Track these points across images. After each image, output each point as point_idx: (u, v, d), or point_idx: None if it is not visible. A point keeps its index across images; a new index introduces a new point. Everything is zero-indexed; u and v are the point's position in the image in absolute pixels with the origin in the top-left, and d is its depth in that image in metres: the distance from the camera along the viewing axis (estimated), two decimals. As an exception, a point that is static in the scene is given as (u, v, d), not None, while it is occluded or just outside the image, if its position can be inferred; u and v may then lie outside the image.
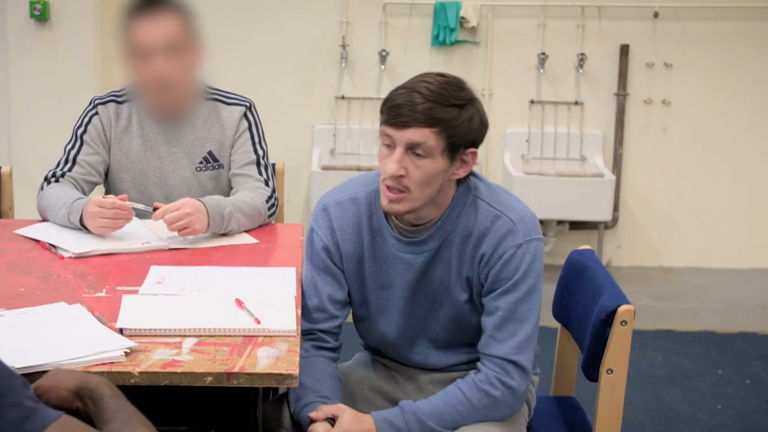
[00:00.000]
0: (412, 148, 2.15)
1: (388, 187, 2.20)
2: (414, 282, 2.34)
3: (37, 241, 2.81)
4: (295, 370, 1.95)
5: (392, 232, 2.33)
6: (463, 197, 2.29)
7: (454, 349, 2.43)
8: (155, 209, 2.81)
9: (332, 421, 2.19)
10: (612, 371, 2.27)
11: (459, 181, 2.28)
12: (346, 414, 2.20)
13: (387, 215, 2.33)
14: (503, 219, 2.26)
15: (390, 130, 2.16)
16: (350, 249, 2.37)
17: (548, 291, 2.72)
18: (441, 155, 2.16)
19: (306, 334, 2.37)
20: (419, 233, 2.31)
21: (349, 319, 2.50)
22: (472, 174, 2.30)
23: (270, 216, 3.04)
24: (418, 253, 2.32)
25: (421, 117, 2.12)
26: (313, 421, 2.19)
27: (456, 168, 2.22)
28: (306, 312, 2.38)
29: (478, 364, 2.29)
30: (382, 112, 2.20)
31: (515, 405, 2.27)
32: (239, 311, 2.22)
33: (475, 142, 2.21)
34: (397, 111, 2.14)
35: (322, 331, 2.39)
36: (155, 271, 2.55)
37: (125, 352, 1.98)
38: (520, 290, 2.25)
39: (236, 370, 1.94)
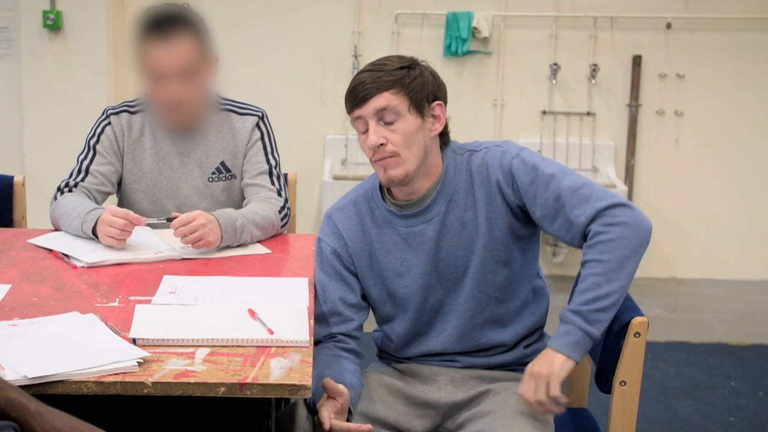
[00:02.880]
0: (381, 117, 2.31)
1: (379, 160, 2.33)
2: (432, 253, 2.40)
3: (51, 250, 2.81)
4: (308, 381, 1.94)
5: (398, 213, 2.42)
6: (452, 159, 2.43)
7: (478, 326, 2.44)
8: (169, 219, 2.82)
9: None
10: (625, 383, 2.26)
11: (442, 149, 2.42)
12: None
13: (386, 197, 2.44)
14: (492, 149, 2.42)
15: (356, 111, 2.33)
16: (359, 246, 2.46)
17: (560, 302, 2.72)
18: (409, 113, 2.32)
19: (326, 338, 2.42)
20: (422, 202, 2.40)
21: (368, 329, 2.51)
22: (449, 139, 2.44)
23: (282, 226, 3.05)
24: (428, 221, 2.40)
25: (375, 86, 2.30)
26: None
27: (431, 124, 2.36)
28: (321, 318, 2.43)
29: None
30: (347, 108, 2.36)
31: (640, 231, 2.23)
32: (252, 321, 2.22)
33: (437, 96, 2.37)
34: (354, 93, 2.33)
35: (342, 334, 2.43)
36: (168, 281, 2.55)
37: (138, 362, 1.97)
38: (551, 173, 2.31)
39: (249, 380, 1.94)
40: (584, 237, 2.26)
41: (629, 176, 5.84)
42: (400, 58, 2.37)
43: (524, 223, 2.39)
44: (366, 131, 2.33)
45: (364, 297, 2.50)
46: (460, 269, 2.41)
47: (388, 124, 2.31)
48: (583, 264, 2.25)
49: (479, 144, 2.45)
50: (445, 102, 2.40)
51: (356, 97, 2.32)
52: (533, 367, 2.22)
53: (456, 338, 2.46)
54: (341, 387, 2.23)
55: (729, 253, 5.97)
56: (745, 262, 5.97)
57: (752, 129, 5.82)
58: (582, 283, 2.22)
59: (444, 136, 2.42)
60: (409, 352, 2.53)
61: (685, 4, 5.69)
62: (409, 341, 2.52)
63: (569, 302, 2.25)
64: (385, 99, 2.29)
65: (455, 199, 2.39)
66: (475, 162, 2.40)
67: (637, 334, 2.23)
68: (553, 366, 2.18)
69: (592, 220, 2.24)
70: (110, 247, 2.79)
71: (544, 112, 5.81)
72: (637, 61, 5.73)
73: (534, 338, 2.52)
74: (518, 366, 2.48)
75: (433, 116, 2.37)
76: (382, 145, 2.31)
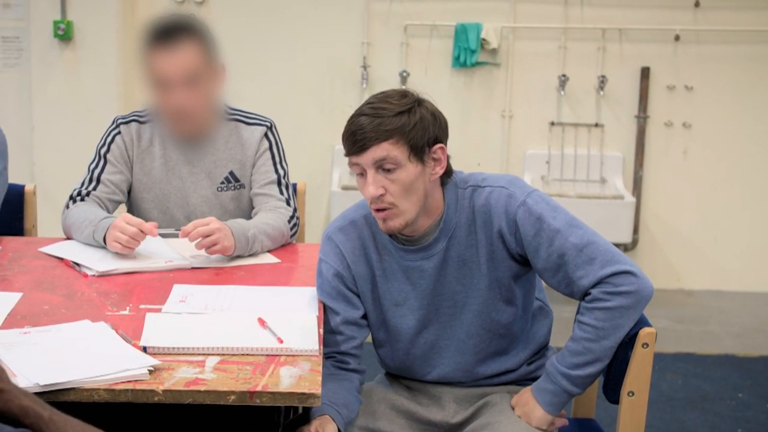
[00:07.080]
0: (380, 166, 2.24)
1: (378, 210, 2.28)
2: (431, 288, 2.38)
3: (61, 259, 2.83)
4: (317, 390, 1.96)
5: (398, 245, 2.38)
6: (453, 194, 2.36)
7: (482, 360, 2.44)
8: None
9: None
10: (633, 394, 2.26)
11: (443, 183, 2.35)
12: None
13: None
14: (496, 190, 2.33)
15: (354, 158, 2.27)
16: (362, 269, 2.41)
17: (569, 312, 2.73)
18: (409, 161, 2.24)
19: (326, 357, 2.39)
20: (424, 239, 2.36)
21: (369, 339, 2.51)
22: (452, 172, 2.37)
23: (292, 236, 3.06)
24: (428, 257, 2.36)
25: (374, 135, 2.22)
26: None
27: (431, 168, 2.29)
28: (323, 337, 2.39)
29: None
30: (345, 150, 2.29)
31: (639, 300, 2.25)
32: (262, 330, 2.23)
33: (438, 139, 2.28)
34: (352, 139, 2.25)
35: (341, 353, 2.41)
36: (178, 290, 2.56)
37: (149, 370, 1.99)
38: (556, 229, 2.26)
39: (259, 389, 1.95)
40: (584, 296, 2.27)
41: (637, 188, 5.85)
42: (402, 96, 2.27)
43: (524, 265, 2.36)
44: (363, 174, 2.27)
45: (365, 315, 2.46)
46: (459, 305, 2.39)
47: (388, 171, 2.24)
48: (577, 321, 2.27)
49: (484, 178, 2.38)
50: (446, 139, 2.32)
51: (354, 144, 2.25)
52: (515, 407, 2.36)
53: (460, 372, 2.45)
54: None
55: (737, 265, 5.97)
56: (753, 274, 5.96)
57: (760, 141, 5.82)
58: (574, 344, 2.26)
59: (445, 174, 2.34)
60: (407, 376, 2.54)
61: (693, 16, 5.70)
62: (403, 369, 2.51)
63: (560, 354, 2.30)
64: (384, 149, 2.22)
65: (456, 235, 2.35)
66: (478, 200, 2.34)
67: (645, 345, 2.23)
68: (530, 419, 2.32)
69: (595, 285, 2.24)
70: (117, 253, 2.80)
71: (553, 124, 5.82)
72: (645, 72, 5.74)
73: (538, 356, 2.53)
74: (523, 381, 2.49)
75: (434, 159, 2.28)
76: (381, 195, 2.25)
